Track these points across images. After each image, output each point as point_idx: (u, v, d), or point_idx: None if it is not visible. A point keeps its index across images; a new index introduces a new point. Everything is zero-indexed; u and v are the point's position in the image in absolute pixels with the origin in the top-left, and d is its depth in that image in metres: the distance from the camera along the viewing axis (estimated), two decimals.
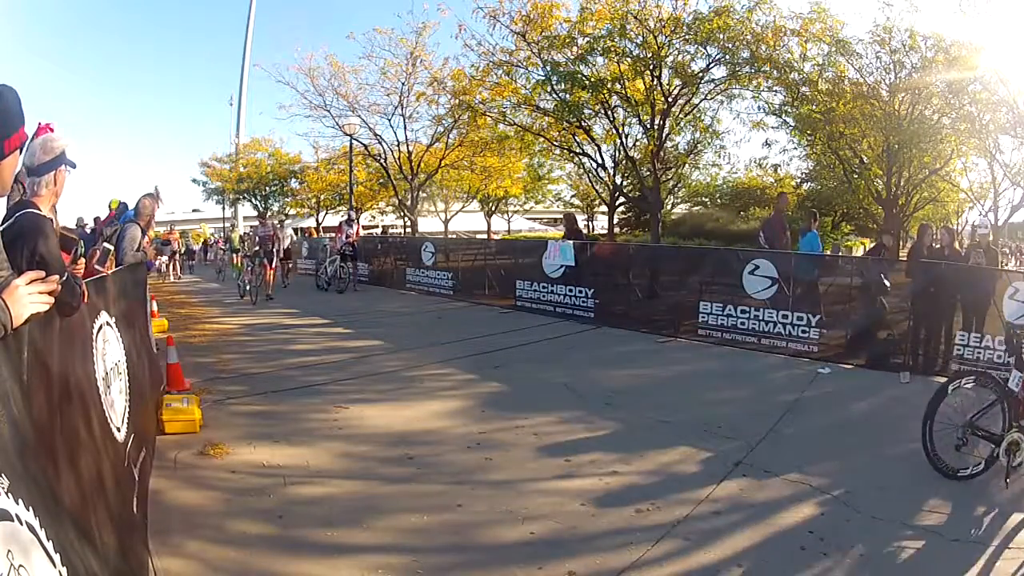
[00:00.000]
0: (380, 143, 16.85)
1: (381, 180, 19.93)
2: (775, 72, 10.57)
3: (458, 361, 6.13)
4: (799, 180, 18.89)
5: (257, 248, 11.35)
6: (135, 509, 2.38)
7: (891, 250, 7.19)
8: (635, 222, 22.37)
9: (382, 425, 4.19)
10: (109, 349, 2.61)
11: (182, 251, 20.52)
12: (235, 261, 16.42)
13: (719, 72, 11.07)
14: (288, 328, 8.11)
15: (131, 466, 2.49)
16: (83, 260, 2.69)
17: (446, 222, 26.37)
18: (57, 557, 1.16)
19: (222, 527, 2.75)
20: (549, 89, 11.62)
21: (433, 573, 2.44)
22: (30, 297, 1.28)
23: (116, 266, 4.22)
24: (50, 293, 1.34)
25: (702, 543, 2.66)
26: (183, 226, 33.97)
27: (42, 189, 2.19)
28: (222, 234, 28.38)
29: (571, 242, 8.97)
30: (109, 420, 2.25)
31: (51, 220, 2.29)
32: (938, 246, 7.43)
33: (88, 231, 10.36)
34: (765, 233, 7.71)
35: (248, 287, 10.98)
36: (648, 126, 11.43)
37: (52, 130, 2.31)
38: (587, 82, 11.12)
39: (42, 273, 1.35)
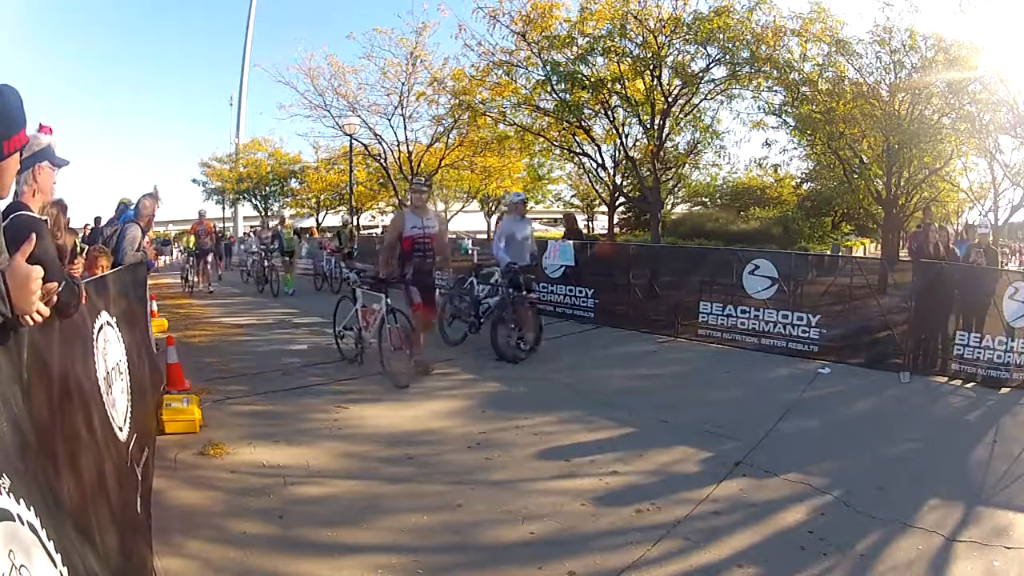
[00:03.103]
0: (380, 143, 16.85)
1: (381, 180, 19.93)
2: (775, 72, 10.58)
3: (458, 361, 6.13)
4: (799, 180, 18.90)
5: (406, 262, 5.47)
6: (139, 509, 2.38)
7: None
8: (635, 222, 22.36)
9: (382, 425, 4.19)
10: (110, 349, 2.61)
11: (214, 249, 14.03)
12: (289, 270, 12.69)
13: (719, 72, 11.09)
14: (288, 328, 8.11)
15: (134, 466, 2.49)
16: (81, 260, 2.70)
17: (446, 222, 26.36)
18: (58, 557, 1.16)
19: (222, 527, 2.75)
20: (549, 89, 11.62)
21: (433, 573, 2.45)
22: (34, 285, 1.24)
23: (115, 266, 4.22)
24: (47, 302, 1.33)
25: (702, 543, 2.66)
26: (183, 226, 33.47)
27: (23, 186, 2.19)
28: (257, 231, 21.68)
29: (571, 242, 8.98)
30: (111, 420, 2.26)
31: (45, 221, 2.29)
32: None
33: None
34: (913, 244, 7.72)
35: (361, 343, 5.66)
36: (648, 126, 11.44)
37: (51, 131, 2.32)
38: (587, 82, 11.12)
39: (40, 270, 1.34)
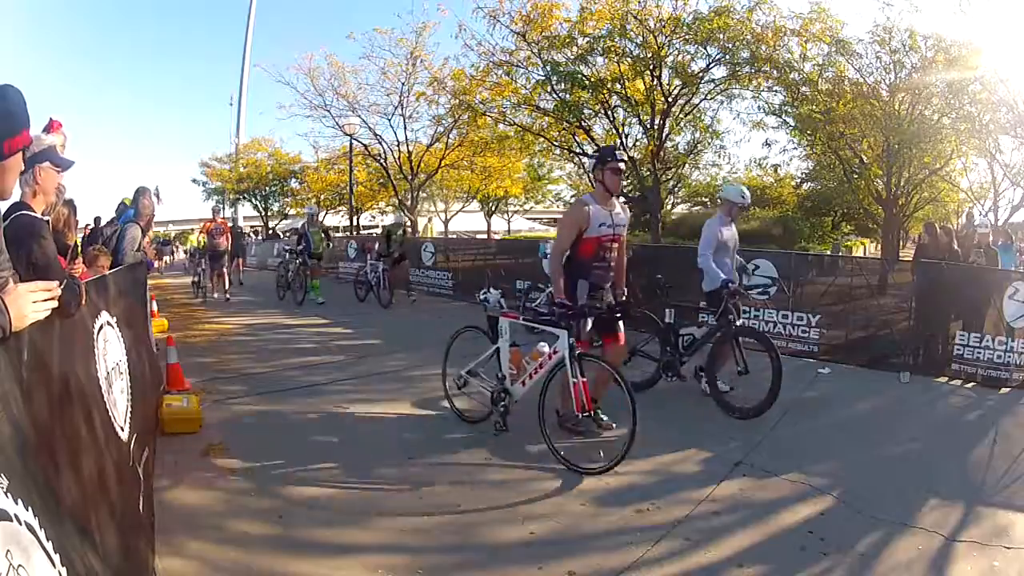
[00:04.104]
0: (380, 143, 16.89)
1: (381, 180, 19.94)
2: (775, 72, 10.61)
3: (458, 361, 6.11)
4: (799, 180, 18.92)
5: (581, 275, 3.83)
6: (141, 509, 2.37)
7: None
8: (635, 222, 22.36)
9: (382, 425, 4.19)
10: (110, 349, 2.61)
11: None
12: (315, 275, 10.57)
13: (719, 72, 11.14)
14: (288, 328, 8.10)
15: (136, 466, 2.49)
16: (80, 260, 2.70)
17: (446, 222, 26.40)
18: (57, 557, 1.16)
19: (222, 527, 2.75)
20: (549, 89, 11.65)
21: (433, 573, 2.44)
22: (34, 306, 1.27)
23: (115, 266, 4.22)
24: (48, 300, 1.34)
25: (702, 543, 2.66)
26: (183, 226, 33.32)
27: (24, 187, 2.19)
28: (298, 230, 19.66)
29: None
30: (113, 419, 2.25)
31: (46, 221, 2.30)
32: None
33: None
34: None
35: (506, 399, 4.00)
36: (648, 126, 11.46)
37: (61, 127, 2.33)
38: (587, 82, 11.15)
39: (43, 284, 1.35)
